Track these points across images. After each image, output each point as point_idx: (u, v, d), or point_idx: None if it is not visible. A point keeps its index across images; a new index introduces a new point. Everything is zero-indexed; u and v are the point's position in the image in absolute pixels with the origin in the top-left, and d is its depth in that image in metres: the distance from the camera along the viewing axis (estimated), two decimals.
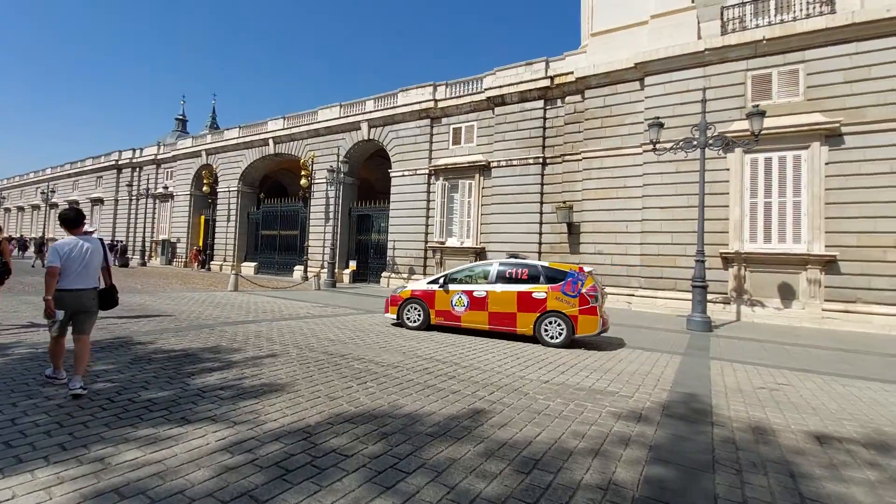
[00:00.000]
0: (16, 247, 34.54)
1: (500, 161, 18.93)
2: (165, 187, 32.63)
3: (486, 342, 7.45)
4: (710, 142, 11.57)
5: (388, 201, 23.14)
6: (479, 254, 19.23)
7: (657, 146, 12.43)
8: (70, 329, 4.17)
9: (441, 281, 8.84)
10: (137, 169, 37.91)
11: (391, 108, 22.46)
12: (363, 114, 23.67)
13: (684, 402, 4.35)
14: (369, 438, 3.19)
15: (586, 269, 8.13)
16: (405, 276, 21.08)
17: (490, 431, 3.43)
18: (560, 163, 17.68)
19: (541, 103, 18.28)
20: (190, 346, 6.00)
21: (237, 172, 29.94)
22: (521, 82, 18.55)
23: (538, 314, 7.68)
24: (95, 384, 4.18)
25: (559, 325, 7.52)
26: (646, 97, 15.65)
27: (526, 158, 18.28)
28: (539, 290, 7.77)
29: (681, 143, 12.07)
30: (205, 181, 29.59)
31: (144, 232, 31.47)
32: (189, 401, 3.82)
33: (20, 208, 54.55)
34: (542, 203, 17.94)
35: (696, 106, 13.45)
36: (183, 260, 31.84)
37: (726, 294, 13.66)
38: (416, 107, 21.38)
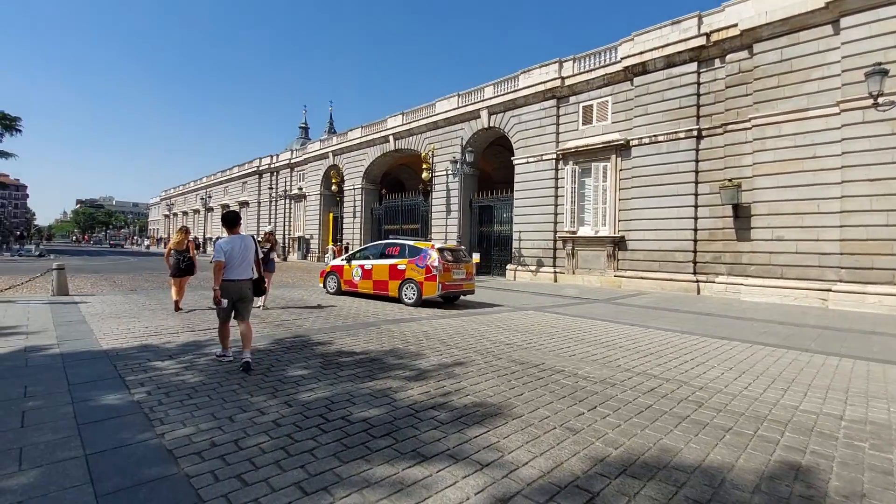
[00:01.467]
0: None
1: (641, 138, 16.80)
2: (300, 188, 35.43)
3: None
4: None
5: (509, 191, 22.16)
6: (618, 243, 17.36)
7: (879, 100, 9.66)
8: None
9: (347, 258, 11.98)
10: (275, 173, 41.87)
11: (512, 91, 21.35)
12: (482, 101, 22.90)
13: None
14: None
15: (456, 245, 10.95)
16: (533, 268, 19.97)
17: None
18: (720, 134, 15.07)
19: (692, 66, 15.75)
20: (368, 347, 5.64)
21: (360, 171, 31.31)
22: (667, 45, 16.17)
23: (400, 281, 10.29)
24: (300, 393, 3.84)
25: (412, 289, 9.99)
26: (842, 43, 12.50)
27: (675, 132, 15.93)
28: (402, 263, 10.33)
29: None
30: (333, 181, 31.45)
31: (284, 229, 34.52)
32: (408, 424, 3.23)
33: (184, 213, 64.12)
34: (696, 183, 15.51)
35: None
36: (317, 255, 34.41)
37: None
38: (540, 87, 19.99)
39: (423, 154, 24.71)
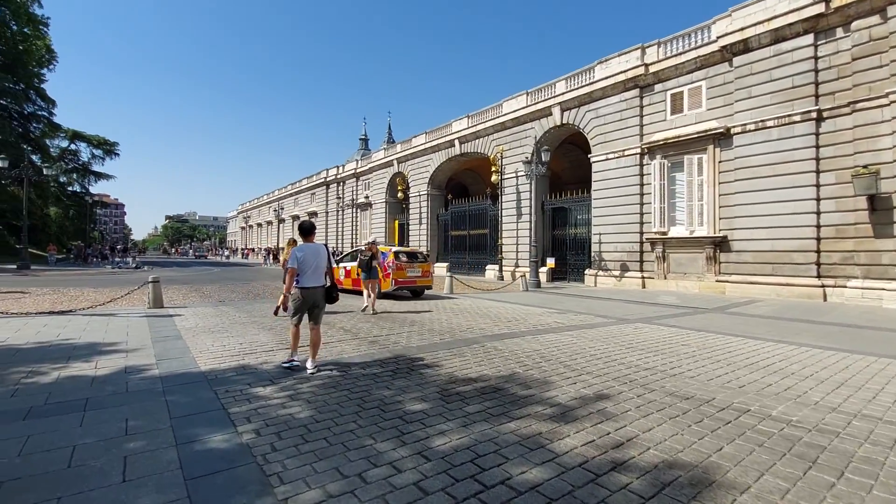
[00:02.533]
0: (267, 255, 42.75)
1: (744, 125, 14.90)
2: (366, 197, 35.89)
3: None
4: None
5: (585, 191, 20.79)
6: (720, 244, 15.49)
7: None
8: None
9: (336, 262, 13.42)
10: (341, 183, 42.92)
11: (587, 84, 20.00)
12: (553, 97, 21.73)
13: None
14: None
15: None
16: (616, 273, 18.42)
17: None
18: (847, 114, 12.94)
19: (807, 39, 13.72)
20: (483, 371, 4.86)
21: (426, 177, 31.07)
22: (774, 17, 14.24)
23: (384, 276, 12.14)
24: (431, 439, 3.10)
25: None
26: None
27: (788, 116, 13.93)
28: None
29: None
30: (399, 188, 31.48)
31: (352, 238, 35.08)
32: (597, 499, 2.37)
33: (258, 224, 67.79)
34: (817, 172, 13.43)
35: None
36: None
37: None
38: (620, 77, 18.51)
39: (492, 156, 23.89)
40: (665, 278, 16.99)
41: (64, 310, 9.15)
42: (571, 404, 3.82)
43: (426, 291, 14.22)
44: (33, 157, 37.91)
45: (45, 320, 7.84)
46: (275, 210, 53.32)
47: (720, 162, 15.70)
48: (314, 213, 48.10)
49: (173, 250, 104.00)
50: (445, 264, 28.47)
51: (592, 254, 19.75)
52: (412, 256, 13.48)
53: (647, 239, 17.57)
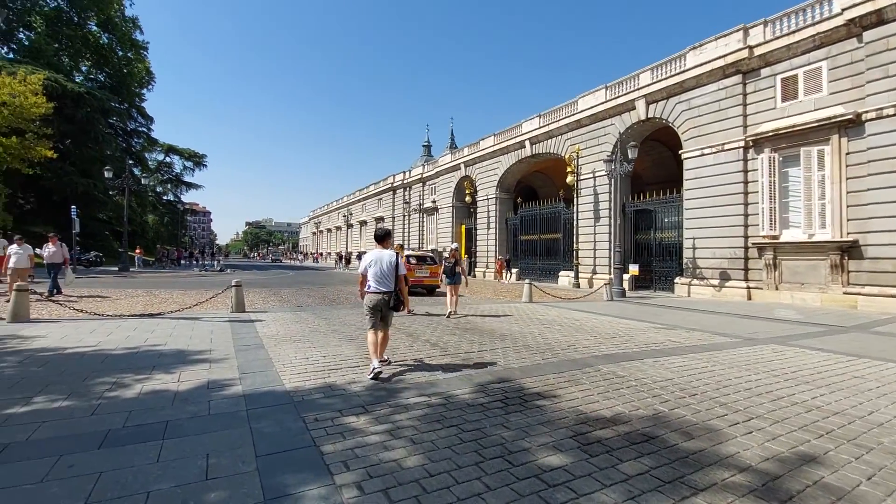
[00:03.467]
0: (339, 259, 44.18)
1: (881, 109, 12.61)
2: (433, 202, 35.67)
3: None
4: None
5: (674, 190, 18.90)
6: (848, 250, 13.21)
7: None
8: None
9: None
10: (407, 188, 43.18)
11: (678, 73, 18.18)
12: (636, 90, 20.06)
13: None
14: None
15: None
16: (715, 282, 16.42)
17: None
18: None
19: None
20: (614, 407, 3.92)
21: (494, 180, 30.22)
22: None
23: None
24: None
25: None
26: None
27: None
28: None
29: None
30: (466, 191, 30.88)
31: (420, 242, 34.97)
32: None
33: (328, 230, 70.37)
34: None
35: None
36: None
37: None
38: (718, 63, 16.59)
39: (567, 156, 22.55)
40: (776, 289, 14.82)
41: (154, 312, 9.31)
42: (769, 469, 2.78)
43: (498, 304, 13.46)
44: (134, 171, 41.86)
45: (136, 323, 7.90)
46: (344, 215, 54.94)
47: (848, 154, 13.43)
48: (381, 219, 48.86)
49: (256, 254, 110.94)
50: (515, 270, 27.37)
51: (684, 260, 17.83)
52: (422, 259, 16.21)
53: (753, 244, 15.49)
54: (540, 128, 25.91)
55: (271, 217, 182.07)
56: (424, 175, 40.06)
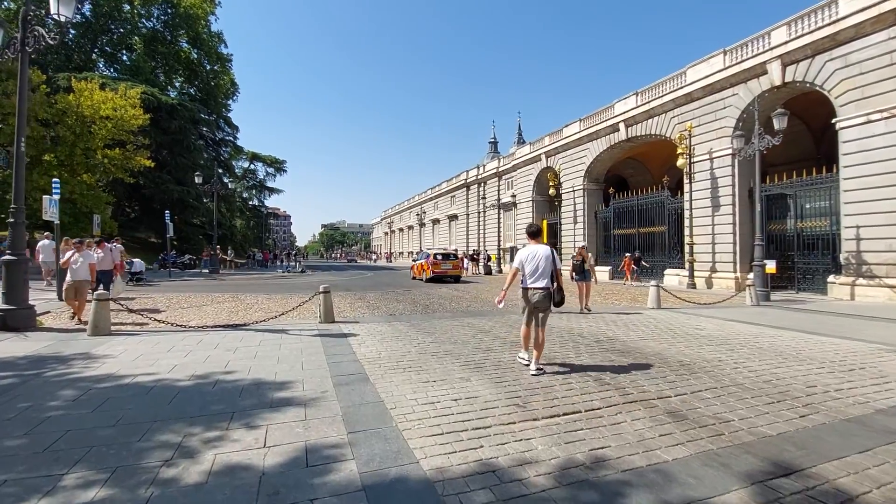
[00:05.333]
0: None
1: None
2: (513, 196, 33.60)
3: None
4: None
5: (811, 171, 15.46)
6: None
7: None
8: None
9: (413, 259, 31.65)
10: (482, 184, 41.42)
11: (828, 24, 14.69)
12: (768, 51, 16.67)
13: None
14: None
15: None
16: (892, 282, 12.89)
17: None
18: None
19: None
20: None
21: (581, 170, 27.53)
22: None
23: (420, 270, 23.12)
24: None
25: (423, 273, 22.07)
26: None
27: None
28: (422, 262, 23.26)
29: None
30: (550, 183, 28.46)
31: (498, 240, 33.11)
32: None
33: (401, 229, 70.60)
34: None
35: None
36: None
37: None
38: (887, 5, 13.02)
39: (677, 136, 19.49)
40: None
41: (238, 323, 8.32)
42: None
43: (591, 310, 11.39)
44: (225, 179, 44.07)
45: (218, 338, 6.83)
46: (417, 214, 54.34)
47: None
48: (454, 216, 47.58)
49: (336, 255, 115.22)
50: (608, 268, 24.57)
51: (843, 255, 14.35)
52: (446, 256, 23.06)
53: None
54: (637, 107, 22.91)
55: (344, 219, 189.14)
56: (500, 169, 38.06)
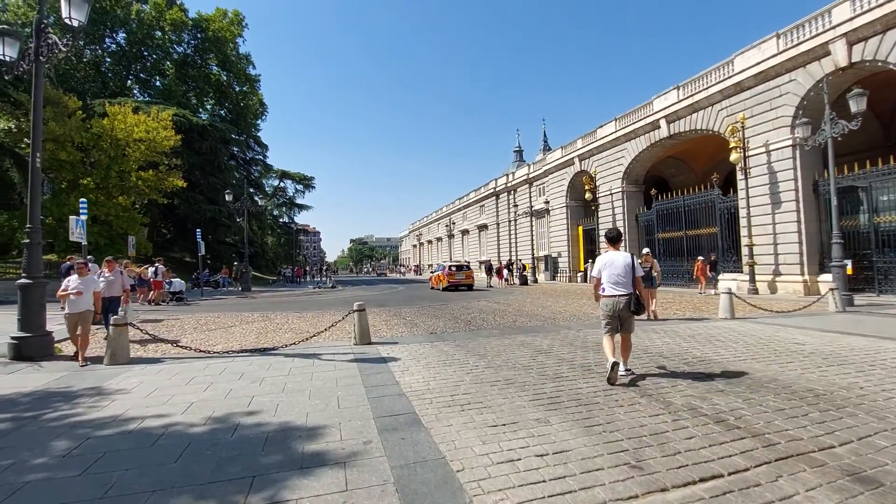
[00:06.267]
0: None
1: None
2: (546, 202, 32.42)
3: None
4: None
5: (876, 161, 13.74)
6: None
7: None
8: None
9: (431, 271, 37.40)
10: (511, 192, 40.34)
11: None
12: (829, 30, 15.16)
13: None
14: None
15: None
16: None
17: None
18: None
19: None
20: None
21: (619, 171, 26.13)
22: None
23: (437, 280, 26.02)
24: None
25: (440, 284, 25.04)
26: None
27: None
28: (439, 273, 26.13)
29: None
30: (585, 187, 27.18)
31: (532, 249, 31.90)
32: None
33: (429, 241, 70.04)
34: None
35: None
36: (567, 274, 30.48)
37: None
38: None
39: (728, 129, 18.01)
40: None
41: (267, 347, 7.58)
42: None
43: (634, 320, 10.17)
44: (256, 198, 44.62)
45: (244, 366, 6.06)
46: (446, 225, 53.64)
47: None
48: (484, 226, 46.60)
49: (367, 269, 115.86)
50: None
51: None
52: (459, 268, 25.32)
53: None
54: (679, 101, 21.50)
55: (372, 233, 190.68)
56: (530, 175, 36.92)
